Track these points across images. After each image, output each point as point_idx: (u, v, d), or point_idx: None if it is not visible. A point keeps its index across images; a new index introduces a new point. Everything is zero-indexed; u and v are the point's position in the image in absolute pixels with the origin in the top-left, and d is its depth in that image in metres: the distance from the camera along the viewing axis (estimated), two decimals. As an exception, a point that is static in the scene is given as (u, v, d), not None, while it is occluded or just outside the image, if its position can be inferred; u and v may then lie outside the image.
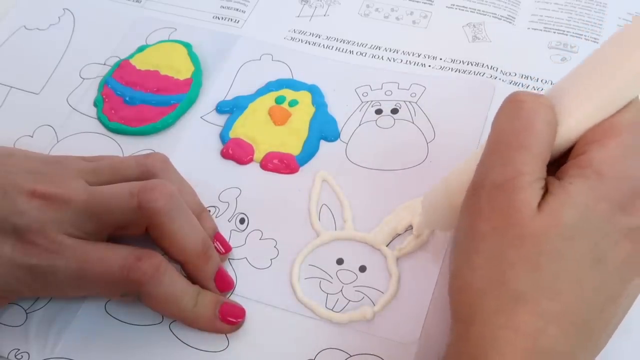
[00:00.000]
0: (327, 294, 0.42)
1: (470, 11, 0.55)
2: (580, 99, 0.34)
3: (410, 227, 0.43)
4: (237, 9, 0.56)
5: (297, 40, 0.54)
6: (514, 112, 0.34)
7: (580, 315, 0.32)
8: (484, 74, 0.51)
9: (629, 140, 0.33)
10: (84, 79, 0.52)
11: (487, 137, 0.35)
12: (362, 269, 0.42)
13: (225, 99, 0.51)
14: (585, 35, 0.53)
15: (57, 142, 0.49)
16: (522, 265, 0.32)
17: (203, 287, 0.41)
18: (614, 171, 0.32)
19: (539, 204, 0.32)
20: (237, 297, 0.42)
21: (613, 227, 0.32)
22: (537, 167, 0.33)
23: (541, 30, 0.54)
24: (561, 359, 0.32)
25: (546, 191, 0.33)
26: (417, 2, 0.56)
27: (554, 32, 0.53)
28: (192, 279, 0.40)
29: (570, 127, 0.34)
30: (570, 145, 0.34)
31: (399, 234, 0.43)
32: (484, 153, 0.34)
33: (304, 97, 0.50)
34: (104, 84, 0.52)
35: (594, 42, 0.53)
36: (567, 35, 0.53)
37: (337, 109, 0.50)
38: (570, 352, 0.32)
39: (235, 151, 0.48)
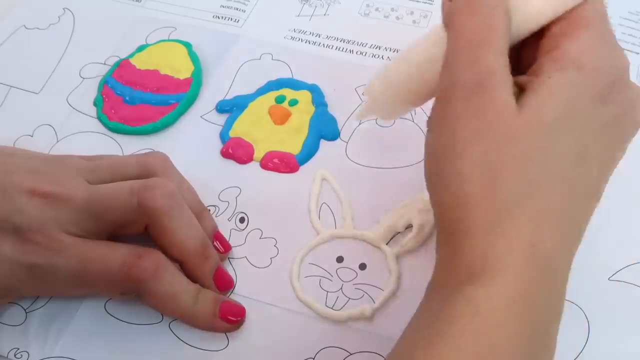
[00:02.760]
0: (327, 292, 0.41)
1: (470, 11, 0.55)
2: None
3: (410, 226, 0.43)
4: (237, 9, 0.56)
5: (297, 39, 0.54)
6: (472, 8, 0.32)
7: (570, 214, 0.32)
8: (484, 73, 0.50)
9: (600, 31, 0.33)
10: (83, 78, 0.52)
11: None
12: (362, 266, 0.42)
13: (225, 99, 0.51)
14: (585, 35, 0.53)
15: (57, 141, 0.49)
16: (511, 166, 0.31)
17: (202, 286, 0.41)
18: (591, 61, 0.32)
19: (518, 102, 0.31)
20: (237, 296, 0.42)
21: (594, 119, 0.32)
22: (505, 63, 0.32)
23: (541, 29, 0.53)
24: (557, 261, 0.32)
25: (521, 89, 0.32)
26: (418, 1, 0.56)
27: (554, 32, 0.53)
28: (191, 278, 0.40)
29: (527, 17, 0.33)
30: (524, 36, 0.33)
31: (399, 232, 0.43)
32: (446, 56, 0.33)
33: (304, 97, 0.50)
34: (104, 83, 0.52)
35: (594, 41, 0.52)
36: (567, 34, 0.53)
37: (337, 108, 0.50)
38: (563, 252, 0.32)
39: (235, 150, 0.48)
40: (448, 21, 0.33)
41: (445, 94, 0.32)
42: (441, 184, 0.32)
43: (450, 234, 0.32)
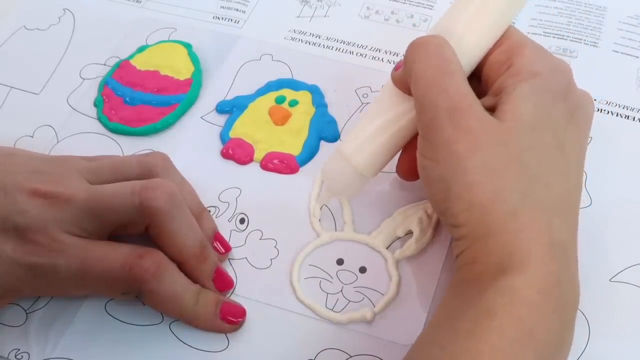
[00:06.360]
0: (327, 293, 0.42)
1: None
2: (471, 31, 0.38)
3: (410, 232, 0.43)
4: (237, 9, 0.56)
5: (297, 40, 0.54)
6: (425, 52, 0.37)
7: (568, 204, 0.36)
8: (484, 76, 0.51)
9: (535, 45, 0.39)
10: (84, 79, 0.52)
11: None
12: (362, 270, 0.42)
13: (225, 99, 0.51)
14: (584, 40, 0.53)
15: (58, 142, 0.49)
16: (511, 168, 0.35)
17: (202, 287, 0.41)
18: (543, 68, 0.37)
19: (494, 115, 0.36)
20: (237, 297, 0.42)
21: (560, 114, 0.37)
22: (469, 86, 0.36)
23: (540, 34, 0.54)
24: (570, 248, 0.36)
25: (489, 109, 0.36)
26: (418, 5, 0.56)
27: (554, 37, 0.53)
28: (190, 278, 0.40)
29: (470, 52, 0.39)
30: (469, 70, 0.39)
31: (399, 237, 0.43)
32: (416, 97, 0.37)
33: (304, 97, 0.50)
34: (104, 84, 0.52)
35: (594, 46, 0.53)
36: (566, 39, 0.53)
37: (337, 109, 0.50)
38: (571, 239, 0.36)
39: (235, 151, 0.48)
40: (410, 72, 0.38)
41: (429, 125, 0.36)
42: (453, 198, 0.35)
43: (473, 239, 0.35)
